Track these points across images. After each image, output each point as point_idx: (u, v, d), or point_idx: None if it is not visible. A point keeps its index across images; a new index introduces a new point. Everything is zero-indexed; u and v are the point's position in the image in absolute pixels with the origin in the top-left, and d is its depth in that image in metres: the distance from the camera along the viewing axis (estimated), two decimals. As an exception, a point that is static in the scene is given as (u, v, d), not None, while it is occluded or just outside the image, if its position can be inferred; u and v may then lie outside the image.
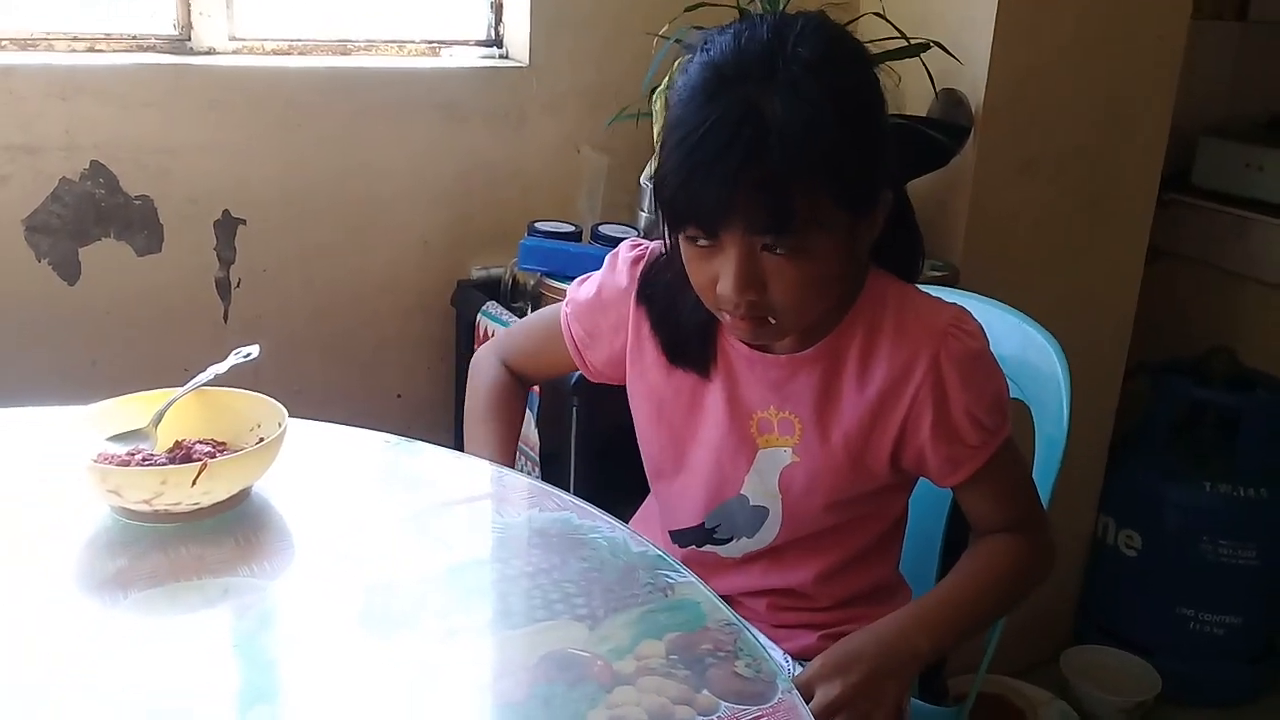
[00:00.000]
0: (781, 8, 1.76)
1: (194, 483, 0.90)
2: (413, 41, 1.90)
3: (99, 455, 0.96)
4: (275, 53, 1.80)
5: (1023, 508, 1.15)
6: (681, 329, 1.14)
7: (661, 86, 1.62)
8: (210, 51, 1.75)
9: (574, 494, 1.01)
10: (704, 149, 0.92)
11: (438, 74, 1.85)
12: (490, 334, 1.75)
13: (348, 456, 1.07)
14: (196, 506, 0.92)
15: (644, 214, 1.88)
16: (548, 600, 0.85)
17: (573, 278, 1.68)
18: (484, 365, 1.34)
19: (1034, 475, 1.29)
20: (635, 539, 0.95)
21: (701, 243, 0.98)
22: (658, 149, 1.03)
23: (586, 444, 1.61)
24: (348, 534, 0.93)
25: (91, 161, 1.65)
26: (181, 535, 0.92)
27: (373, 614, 0.82)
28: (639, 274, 1.19)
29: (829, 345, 1.10)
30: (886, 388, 1.08)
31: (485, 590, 0.86)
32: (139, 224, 1.70)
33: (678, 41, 1.75)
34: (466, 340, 1.88)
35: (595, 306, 1.23)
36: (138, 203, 1.69)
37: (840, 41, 0.99)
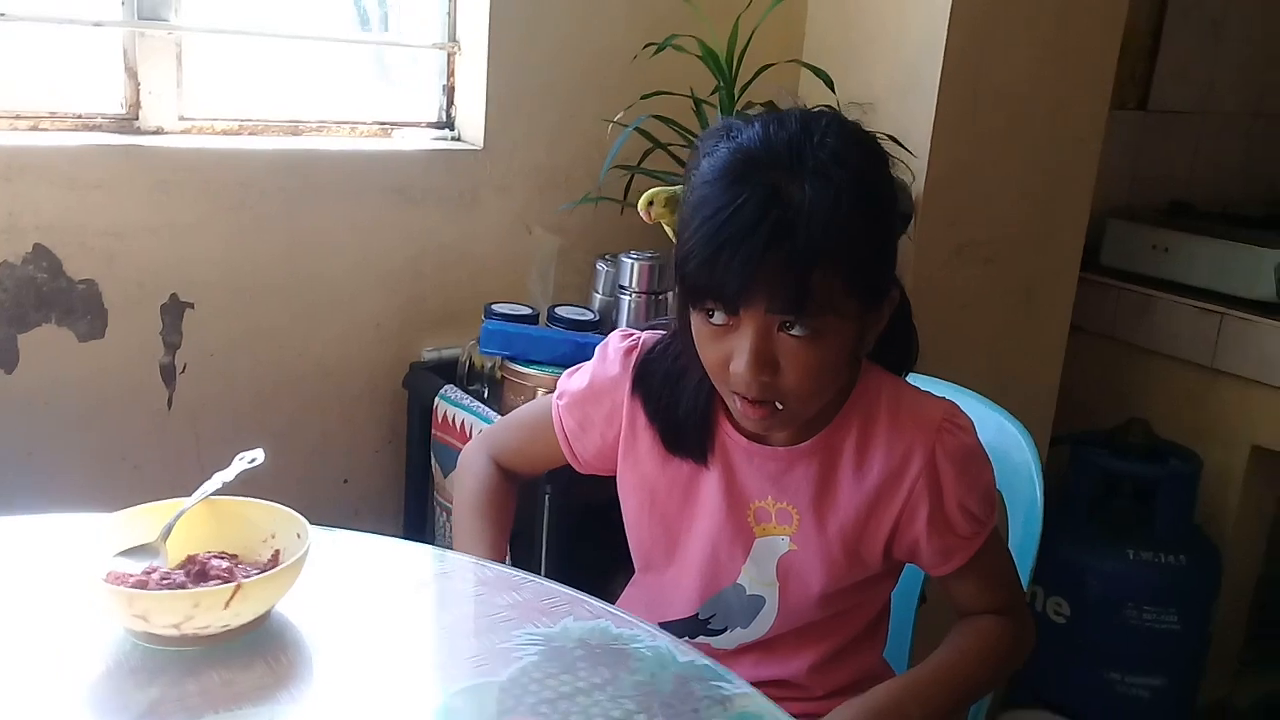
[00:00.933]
0: (737, 97, 1.80)
1: (227, 604, 0.86)
2: (364, 123, 1.88)
3: (111, 575, 0.91)
4: (225, 133, 1.76)
5: (1007, 593, 1.18)
6: (680, 418, 1.15)
7: (662, 196, 1.61)
8: (159, 131, 1.70)
9: (545, 575, 1.00)
10: (731, 227, 0.95)
11: (390, 156, 1.83)
12: (451, 419, 1.73)
13: (354, 561, 1.03)
14: (225, 629, 0.88)
15: (598, 295, 1.89)
16: (609, 719, 0.83)
17: (535, 361, 1.70)
18: (472, 462, 1.32)
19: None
20: (679, 647, 0.94)
21: (718, 320, 1.00)
22: (679, 230, 1.04)
23: (558, 525, 1.59)
24: (379, 652, 0.90)
25: (34, 244, 1.58)
26: (208, 660, 0.87)
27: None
28: (633, 363, 1.19)
29: (826, 438, 1.12)
30: (883, 481, 1.10)
31: (544, 712, 0.84)
32: (82, 309, 1.63)
33: (638, 130, 1.77)
34: (420, 423, 1.85)
35: (588, 397, 1.22)
36: (81, 287, 1.62)
37: (862, 137, 1.03)
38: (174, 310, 1.69)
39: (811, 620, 1.18)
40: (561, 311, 1.81)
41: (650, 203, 1.22)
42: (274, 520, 0.99)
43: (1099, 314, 2.47)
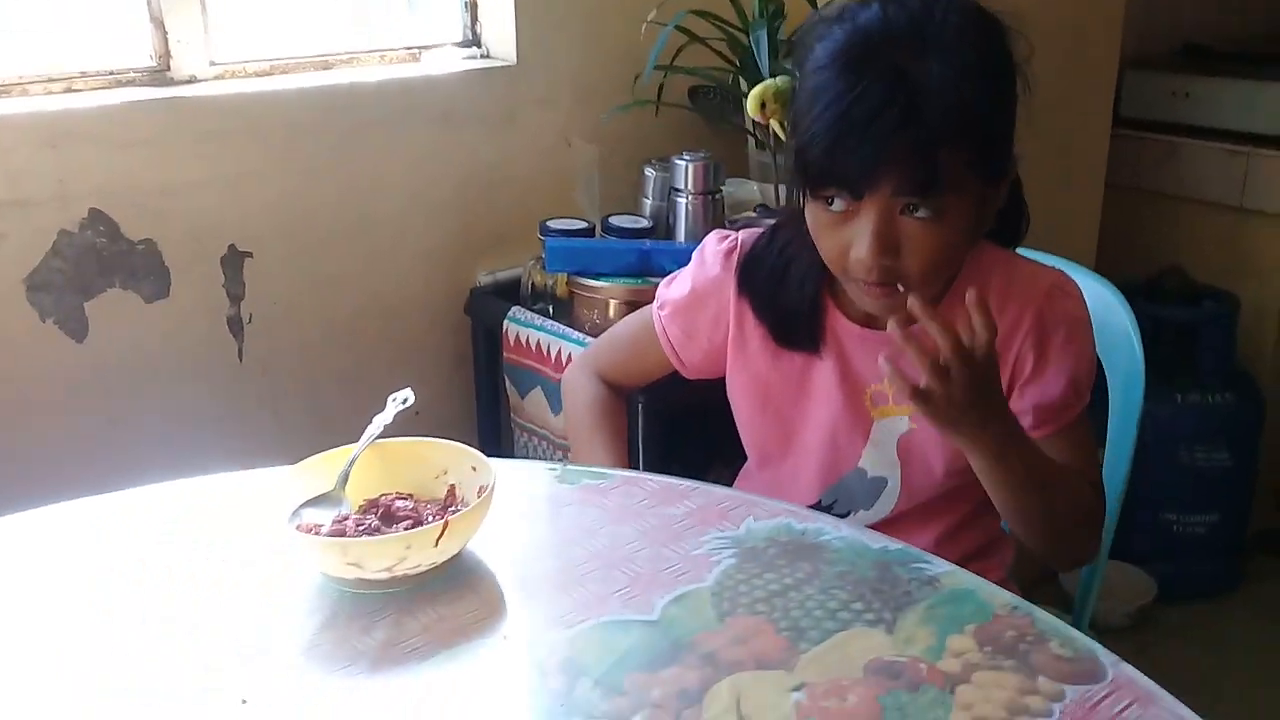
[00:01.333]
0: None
1: (437, 542, 0.86)
2: (392, 49, 1.83)
3: (304, 527, 0.91)
4: (258, 74, 1.71)
5: (1088, 470, 1.14)
6: (789, 311, 1.15)
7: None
8: (191, 80, 1.65)
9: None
10: (857, 110, 0.94)
11: (427, 82, 1.79)
12: (523, 340, 1.72)
13: (518, 492, 1.03)
14: (434, 566, 0.88)
15: (648, 200, 1.87)
16: (829, 610, 0.85)
17: (600, 274, 1.68)
18: (578, 383, 1.32)
19: (1115, 422, 1.37)
20: (869, 535, 0.96)
21: (837, 207, 0.99)
22: (796, 118, 1.03)
23: (654, 431, 1.59)
24: (576, 571, 0.91)
25: (90, 209, 1.54)
26: (418, 598, 0.88)
27: (654, 649, 0.81)
28: (736, 263, 1.19)
29: (940, 314, 1.12)
30: (996, 347, 1.10)
31: (762, 610, 0.85)
32: (144, 270, 1.60)
33: (678, 28, 1.74)
34: (486, 348, 1.85)
35: (692, 303, 1.22)
36: (141, 247, 1.59)
37: (982, 12, 1.02)
38: (233, 261, 1.66)
39: (934, 496, 1.20)
40: (616, 221, 1.79)
41: (763, 103, 1.18)
42: (444, 456, 0.99)
43: (1124, 166, 2.48)
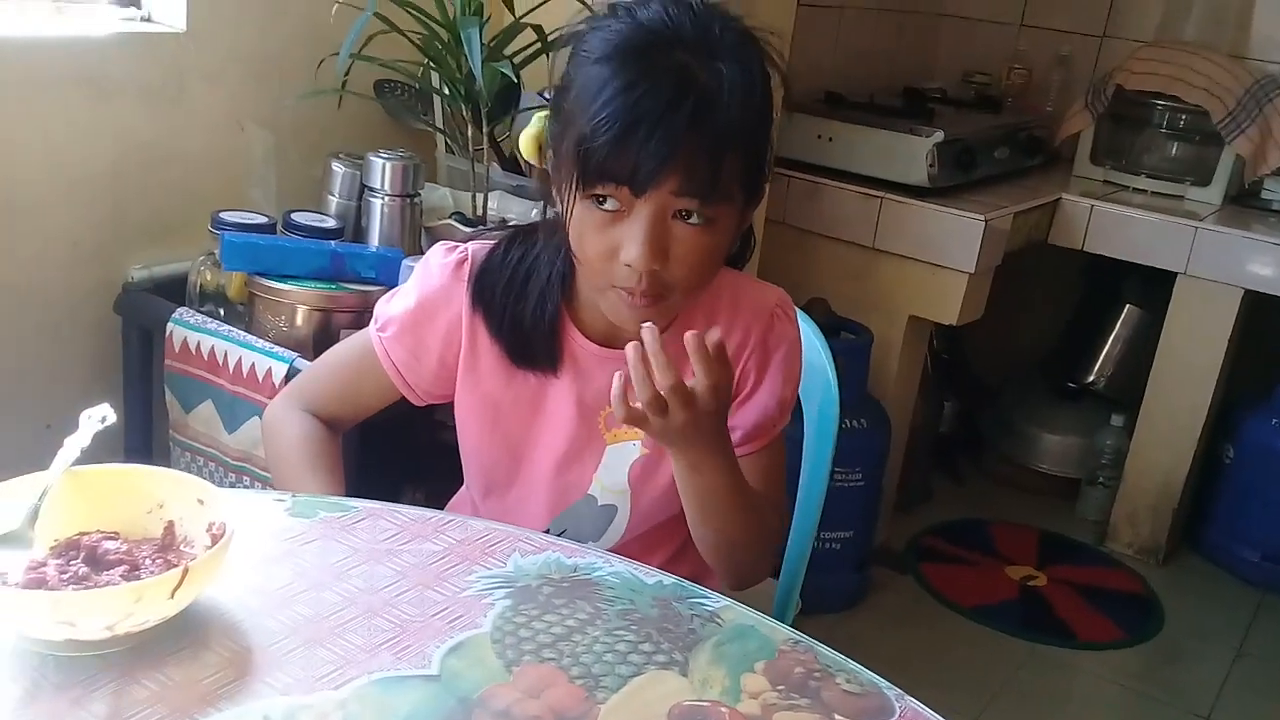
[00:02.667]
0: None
1: (173, 594, 0.72)
2: (33, -1, 1.58)
3: (-16, 577, 0.73)
4: None
5: (779, 489, 1.18)
6: (528, 326, 1.09)
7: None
8: None
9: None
10: (646, 106, 0.92)
11: (75, 42, 1.56)
12: (190, 345, 1.53)
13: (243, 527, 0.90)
14: (163, 621, 0.74)
15: (334, 199, 1.74)
16: (619, 654, 0.80)
17: (289, 276, 1.54)
18: (284, 420, 1.17)
19: (810, 449, 1.43)
20: (639, 568, 0.92)
21: (610, 206, 0.96)
22: (564, 111, 0.98)
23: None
24: (336, 618, 0.80)
25: None
26: (143, 659, 0.73)
27: (440, 709, 0.72)
28: (469, 276, 1.12)
29: (673, 336, 1.11)
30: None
31: (550, 657, 0.79)
32: None
33: (377, 15, 1.63)
34: (141, 353, 1.64)
35: (419, 320, 1.14)
36: None
37: (753, 33, 1.01)
38: None
39: (661, 521, 1.19)
40: (299, 218, 1.65)
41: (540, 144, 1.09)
42: (159, 486, 0.84)
43: (774, 202, 2.62)
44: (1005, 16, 3.21)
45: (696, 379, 0.91)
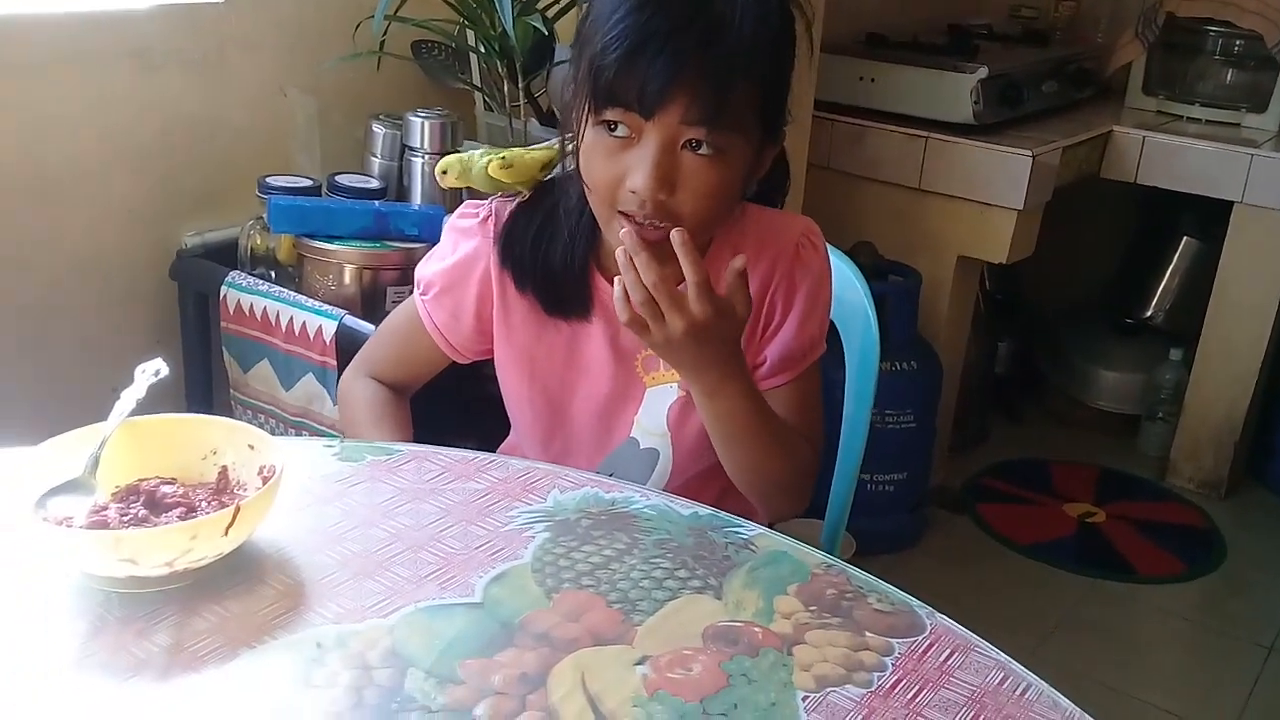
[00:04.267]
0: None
1: (226, 531, 0.76)
2: (79, -25, 1.62)
3: (49, 521, 0.78)
4: (-85, -7, 1.46)
5: (814, 421, 1.17)
6: (556, 277, 1.11)
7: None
8: None
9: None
10: (656, 25, 0.92)
11: (119, 16, 1.59)
12: (247, 308, 1.58)
13: (295, 470, 0.94)
14: (219, 557, 0.78)
15: (376, 159, 1.78)
16: (655, 580, 0.83)
17: (333, 236, 1.57)
18: (353, 387, 1.22)
19: (852, 388, 1.43)
20: (676, 501, 0.94)
21: (621, 132, 0.96)
22: (582, 30, 0.99)
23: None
24: (380, 553, 0.84)
25: None
26: (201, 593, 0.78)
27: (483, 632, 0.76)
28: (494, 232, 1.14)
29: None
30: (755, 303, 1.10)
31: (588, 584, 0.82)
32: None
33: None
34: (197, 317, 1.69)
35: (453, 281, 1.16)
36: None
37: None
38: (-114, 212, 1.42)
39: (707, 464, 1.20)
40: (343, 180, 1.68)
41: (444, 172, 1.18)
42: (213, 434, 0.88)
43: (817, 146, 2.61)
44: (1052, -53, 3.14)
45: (686, 280, 0.92)
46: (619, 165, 0.97)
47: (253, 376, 1.59)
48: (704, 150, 0.95)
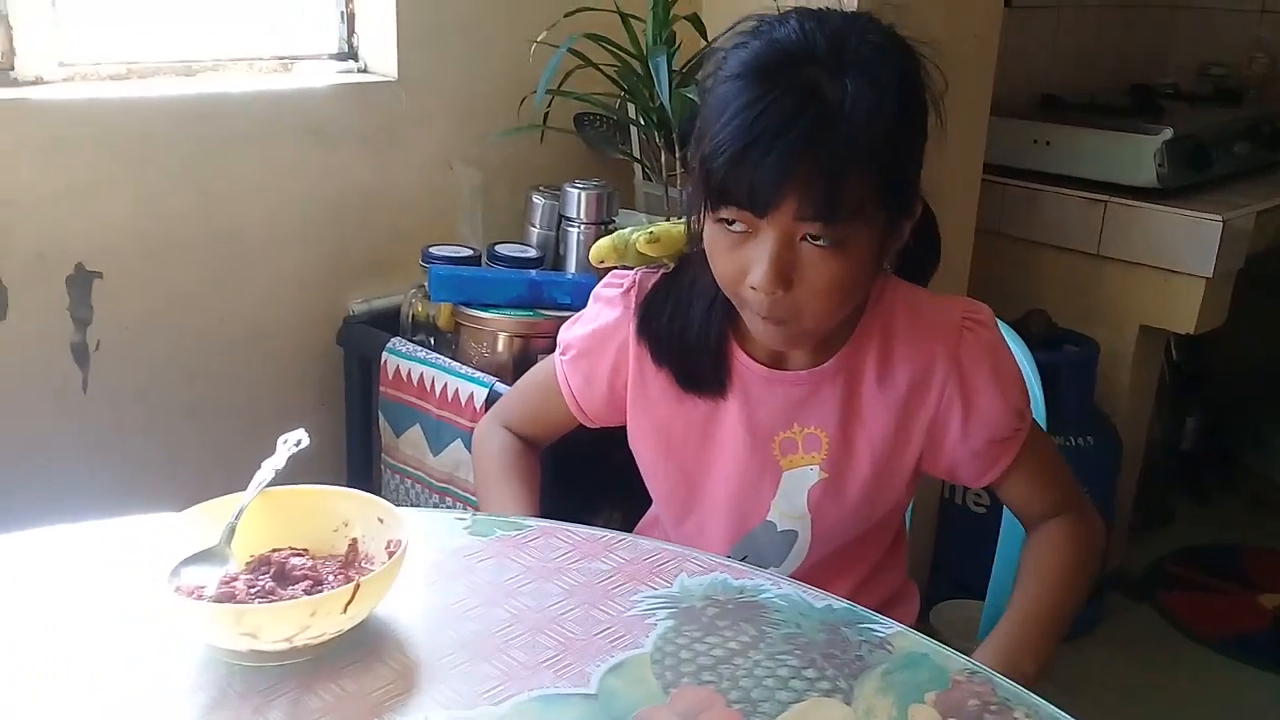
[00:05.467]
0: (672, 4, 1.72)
1: (345, 608, 0.77)
2: (261, 58, 1.71)
3: (181, 590, 0.80)
4: (113, 78, 1.57)
5: (1064, 485, 1.14)
6: (692, 352, 1.09)
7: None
8: (38, 81, 1.50)
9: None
10: (766, 121, 0.89)
11: (299, 94, 1.68)
12: (405, 374, 1.62)
13: (424, 544, 0.94)
14: (339, 634, 0.78)
15: (535, 229, 1.80)
16: (780, 679, 0.79)
17: (488, 305, 1.60)
18: (488, 434, 1.24)
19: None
20: (810, 592, 0.90)
21: (738, 228, 0.94)
22: (697, 130, 0.97)
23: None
24: (501, 635, 0.82)
25: (-85, 221, 1.37)
26: (318, 670, 0.78)
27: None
28: (635, 303, 1.12)
29: (847, 356, 1.08)
30: (909, 390, 1.08)
31: (709, 679, 0.79)
32: (-22, 289, 1.43)
33: (571, 51, 1.68)
34: (361, 381, 1.74)
35: (591, 347, 1.16)
36: (-25, 265, 1.42)
37: (900, 39, 0.98)
38: (81, 282, 1.51)
39: (843, 547, 1.16)
40: (502, 250, 1.72)
41: (601, 260, 1.19)
42: (345, 506, 0.89)
43: (987, 211, 2.53)
44: (1245, 3, 2.98)
45: None
46: (740, 260, 0.95)
47: (404, 441, 1.62)
48: (822, 242, 0.92)
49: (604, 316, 1.15)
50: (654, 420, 1.14)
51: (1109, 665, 2.22)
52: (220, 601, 0.79)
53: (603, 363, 1.14)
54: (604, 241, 1.27)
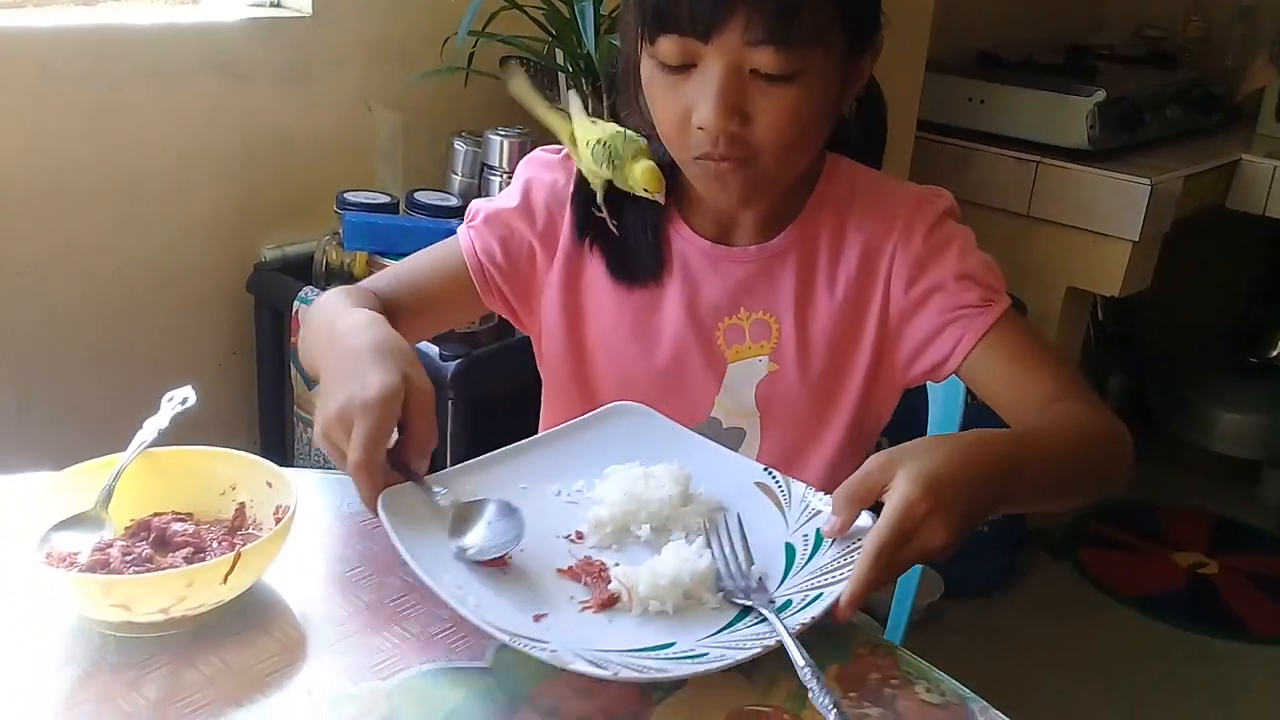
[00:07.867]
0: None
1: (225, 578, 0.73)
2: (168, -11, 1.63)
3: (53, 557, 0.75)
4: (6, 6, 1.48)
5: (1066, 379, 0.94)
6: (626, 226, 0.99)
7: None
8: (-77, 5, 1.41)
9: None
10: None
11: (209, 29, 1.60)
12: (315, 324, 1.56)
13: (322, 508, 0.90)
14: (219, 605, 0.75)
15: (457, 177, 1.75)
16: (681, 651, 0.76)
17: (405, 254, 1.54)
18: (331, 294, 0.99)
19: (936, 418, 1.33)
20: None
21: (676, 63, 0.85)
22: None
23: (463, 420, 1.47)
24: (398, 613, 0.79)
25: None
26: (196, 642, 0.74)
27: (488, 703, 0.70)
28: (575, 171, 1.01)
29: (798, 232, 0.99)
30: (860, 265, 0.98)
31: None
32: None
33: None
34: (272, 330, 1.68)
35: (513, 215, 1.02)
36: None
37: None
38: (-30, 220, 1.44)
39: (798, 446, 1.04)
40: (422, 197, 1.66)
41: (596, 152, 1.02)
42: (232, 468, 0.85)
43: (920, 169, 2.51)
44: (1182, -35, 2.98)
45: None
46: (682, 101, 0.86)
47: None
48: (773, 75, 0.83)
49: (536, 181, 1.03)
50: (576, 308, 1.03)
51: (1027, 622, 2.25)
52: (93, 569, 0.74)
53: (524, 230, 1.02)
54: (588, 136, 0.98)
